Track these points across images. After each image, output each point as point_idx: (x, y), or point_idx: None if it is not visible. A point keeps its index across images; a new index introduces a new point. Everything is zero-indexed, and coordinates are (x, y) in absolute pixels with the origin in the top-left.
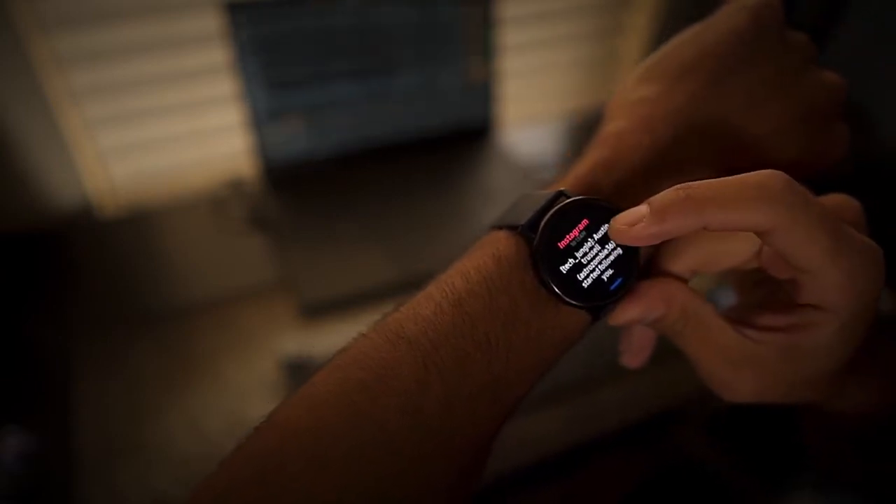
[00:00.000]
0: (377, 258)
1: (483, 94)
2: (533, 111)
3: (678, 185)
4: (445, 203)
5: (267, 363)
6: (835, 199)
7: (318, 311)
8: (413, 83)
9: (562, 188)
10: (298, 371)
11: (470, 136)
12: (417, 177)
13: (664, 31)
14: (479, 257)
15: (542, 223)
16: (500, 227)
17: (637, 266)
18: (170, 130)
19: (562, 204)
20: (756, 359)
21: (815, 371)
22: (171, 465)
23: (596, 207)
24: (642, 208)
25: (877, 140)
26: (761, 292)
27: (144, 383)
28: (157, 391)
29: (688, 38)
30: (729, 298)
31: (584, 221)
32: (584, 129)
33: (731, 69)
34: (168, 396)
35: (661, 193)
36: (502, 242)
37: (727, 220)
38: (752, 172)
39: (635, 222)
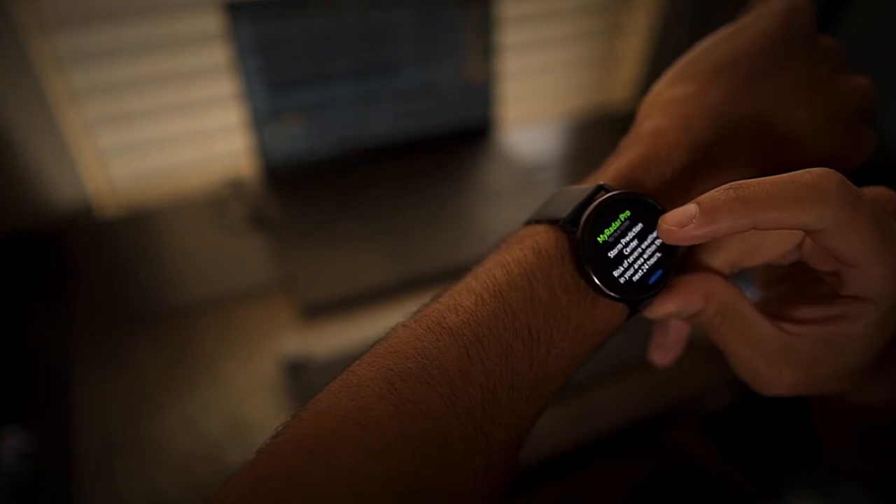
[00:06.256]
0: (377, 258)
1: (483, 94)
2: (533, 111)
3: (727, 185)
4: (445, 203)
5: (267, 363)
6: (876, 192)
7: (318, 311)
8: (413, 83)
9: (601, 182)
10: (298, 371)
11: (470, 136)
12: (417, 177)
13: (664, 31)
14: (518, 250)
15: (584, 217)
16: (537, 222)
17: (676, 260)
18: (170, 130)
19: (603, 198)
20: (793, 352)
21: (852, 361)
22: (171, 465)
23: (636, 202)
24: (691, 207)
25: (878, 139)
26: (786, 286)
27: (144, 383)
28: (157, 391)
29: (720, 40)
30: (748, 292)
31: (625, 215)
32: (583, 130)
33: (765, 71)
34: (168, 396)
35: (710, 193)
36: (542, 236)
37: (779, 220)
38: (804, 171)
39: (685, 222)
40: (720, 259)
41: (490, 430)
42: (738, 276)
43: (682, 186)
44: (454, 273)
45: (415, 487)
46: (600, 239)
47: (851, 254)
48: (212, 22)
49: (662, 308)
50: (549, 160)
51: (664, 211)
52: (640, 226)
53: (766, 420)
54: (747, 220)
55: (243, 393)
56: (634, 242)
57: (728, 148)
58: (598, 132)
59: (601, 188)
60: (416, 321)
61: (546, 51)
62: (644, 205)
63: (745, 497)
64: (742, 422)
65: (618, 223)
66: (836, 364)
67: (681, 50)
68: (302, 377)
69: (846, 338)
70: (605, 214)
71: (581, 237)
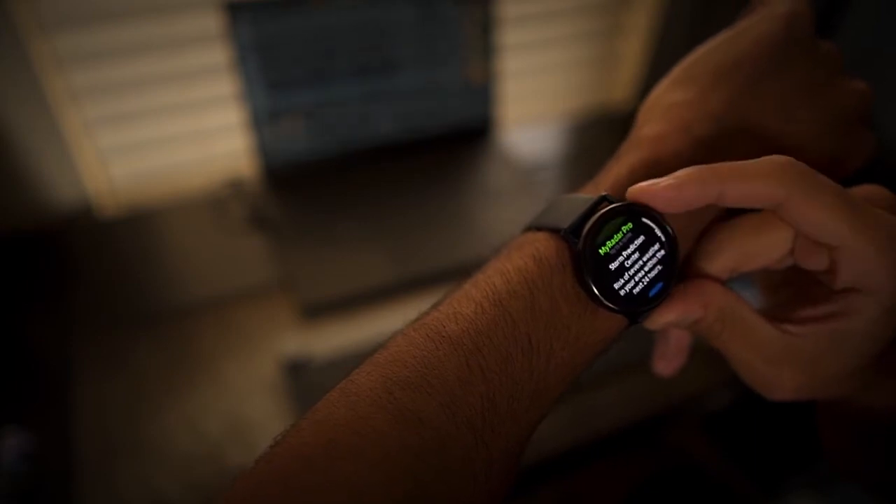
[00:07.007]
0: (377, 258)
1: (483, 94)
2: (533, 111)
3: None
4: (445, 203)
5: (267, 363)
6: (868, 190)
7: (318, 311)
8: (413, 83)
9: (604, 192)
10: (298, 371)
11: (470, 136)
12: (417, 177)
13: (664, 31)
14: (518, 258)
15: (586, 228)
16: (538, 229)
17: (677, 272)
18: (170, 130)
19: (605, 209)
20: (796, 354)
21: (853, 360)
22: (171, 465)
23: (639, 214)
24: (663, 178)
25: (877, 141)
26: (787, 292)
27: (144, 383)
28: (157, 391)
29: (721, 43)
30: (747, 293)
31: (628, 228)
32: (583, 130)
33: (766, 75)
34: (168, 396)
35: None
36: (542, 243)
37: (743, 188)
38: (766, 157)
39: (653, 186)
40: (718, 265)
41: (490, 439)
42: (736, 278)
43: None
44: (454, 273)
45: (414, 493)
46: (602, 251)
47: (826, 229)
48: (212, 22)
49: (662, 318)
50: (549, 160)
51: (667, 223)
52: (641, 238)
53: (766, 420)
54: (714, 187)
55: (243, 393)
56: (636, 255)
57: (729, 152)
58: (598, 132)
59: (604, 199)
60: (415, 329)
61: (546, 51)
62: (647, 217)
63: (745, 497)
64: (742, 422)
65: (620, 235)
66: (837, 363)
67: (681, 50)
68: (302, 377)
69: (847, 334)
70: (607, 226)
71: (583, 248)
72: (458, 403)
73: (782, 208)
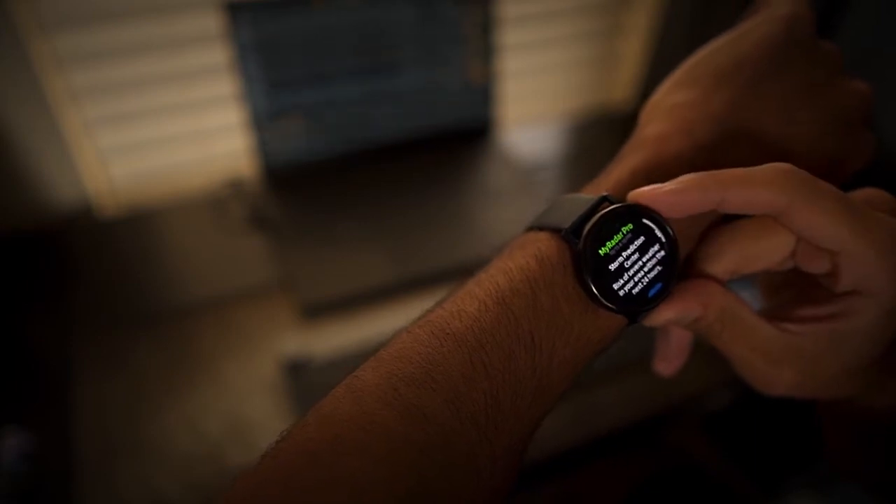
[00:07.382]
0: (377, 258)
1: (483, 94)
2: (533, 111)
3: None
4: (445, 203)
5: (267, 363)
6: (868, 193)
7: (318, 311)
8: (413, 83)
9: (605, 193)
10: (298, 371)
11: (470, 136)
12: (417, 177)
13: (664, 31)
14: (521, 257)
15: (586, 228)
16: (539, 228)
17: (676, 273)
18: (170, 130)
19: (606, 210)
20: (796, 353)
21: (853, 360)
22: (171, 465)
23: (639, 214)
24: (668, 183)
25: (877, 142)
26: (788, 293)
27: (144, 383)
28: (157, 391)
29: (723, 45)
30: (747, 293)
31: (628, 228)
32: (583, 130)
33: (767, 76)
34: (168, 396)
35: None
36: (544, 243)
37: (745, 195)
38: (766, 164)
39: (655, 190)
40: (719, 267)
41: (494, 435)
42: (737, 279)
43: None
44: (454, 273)
45: (416, 490)
46: (602, 251)
47: (827, 235)
48: (212, 22)
49: (661, 316)
50: (549, 160)
51: (667, 224)
52: (641, 239)
53: (766, 420)
54: (716, 193)
55: (243, 393)
56: (636, 255)
57: (730, 154)
58: (598, 132)
59: (605, 199)
60: (420, 327)
61: (546, 51)
62: (647, 218)
63: (745, 497)
64: (742, 422)
65: (620, 236)
66: (836, 363)
67: (681, 50)
68: (302, 377)
69: (847, 335)
70: (607, 227)
71: (583, 249)
72: (462, 400)
73: (784, 215)
